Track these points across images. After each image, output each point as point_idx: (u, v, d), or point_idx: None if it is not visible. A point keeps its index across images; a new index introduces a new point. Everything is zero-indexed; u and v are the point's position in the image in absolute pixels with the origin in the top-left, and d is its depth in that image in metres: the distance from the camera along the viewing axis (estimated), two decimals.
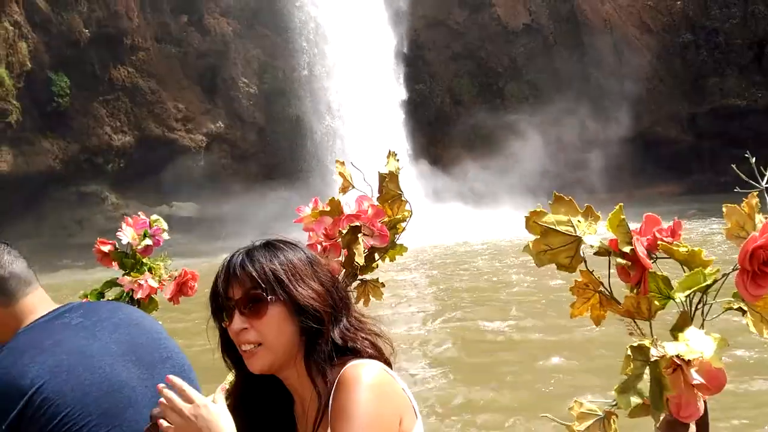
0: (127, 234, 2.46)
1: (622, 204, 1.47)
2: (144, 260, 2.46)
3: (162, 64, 27.41)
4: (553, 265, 1.46)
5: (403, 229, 2.07)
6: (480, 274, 13.76)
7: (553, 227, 1.43)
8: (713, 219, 19.90)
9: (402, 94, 27.85)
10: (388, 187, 2.06)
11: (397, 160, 2.09)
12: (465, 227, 20.47)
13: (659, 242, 1.44)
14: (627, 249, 1.43)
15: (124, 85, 26.32)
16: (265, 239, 1.67)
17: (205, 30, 28.25)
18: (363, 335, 1.60)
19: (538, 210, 1.44)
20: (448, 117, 30.24)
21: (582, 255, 1.46)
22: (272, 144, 29.02)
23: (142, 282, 2.38)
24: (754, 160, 1.54)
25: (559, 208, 1.46)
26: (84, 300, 2.31)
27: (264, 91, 28.69)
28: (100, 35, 25.19)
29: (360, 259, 1.97)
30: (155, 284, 2.40)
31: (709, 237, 16.20)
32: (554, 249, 1.45)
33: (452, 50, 31.15)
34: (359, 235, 1.99)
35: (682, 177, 26.41)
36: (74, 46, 24.79)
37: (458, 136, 28.34)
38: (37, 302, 1.77)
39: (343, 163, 2.13)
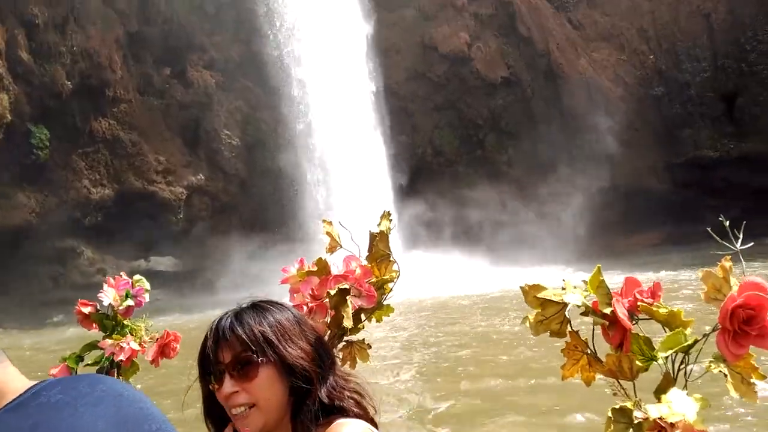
0: (108, 295, 2.43)
1: (599, 266, 1.52)
2: (125, 322, 2.43)
3: (144, 116, 27.53)
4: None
5: (391, 289, 2.09)
6: (470, 329, 13.68)
7: (550, 299, 1.49)
8: (694, 269, 20.13)
9: (383, 143, 28.13)
10: (378, 246, 2.09)
11: (390, 220, 2.12)
12: (447, 278, 20.45)
13: (639, 303, 1.47)
14: (607, 310, 1.47)
15: (104, 138, 26.33)
16: (251, 300, 1.69)
17: (188, 82, 28.50)
18: (348, 393, 1.61)
19: (536, 284, 1.50)
20: (430, 168, 30.56)
21: (567, 316, 1.51)
22: (254, 196, 29.05)
23: (123, 345, 2.34)
24: (728, 222, 1.59)
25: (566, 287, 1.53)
26: (63, 365, 2.27)
27: (247, 142, 28.86)
28: (82, 87, 25.30)
29: (348, 322, 1.98)
30: (137, 347, 2.36)
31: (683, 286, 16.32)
32: (548, 318, 1.50)
33: (433, 102, 31.65)
34: (348, 297, 2.00)
35: (661, 226, 26.74)
36: (56, 98, 24.85)
37: (440, 186, 28.54)
38: (9, 380, 1.55)
39: (330, 223, 2.15)
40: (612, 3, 31.04)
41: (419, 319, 15.17)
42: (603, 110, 29.61)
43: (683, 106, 28.06)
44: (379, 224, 2.11)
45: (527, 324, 1.54)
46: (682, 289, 16.05)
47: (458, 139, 31.56)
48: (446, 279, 20.20)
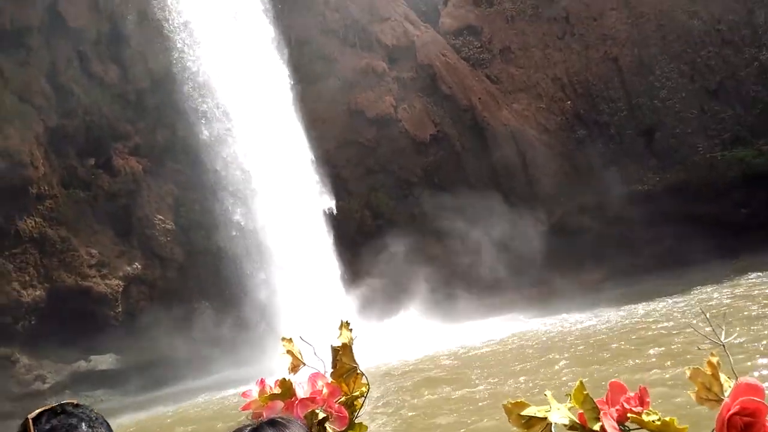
0: None
1: (582, 380, 1.44)
2: None
3: (71, 209, 26.77)
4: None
5: (362, 405, 1.97)
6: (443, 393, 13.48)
7: (535, 416, 1.41)
8: (640, 303, 20.54)
9: (325, 206, 28.09)
10: (342, 361, 1.98)
11: (350, 330, 2.04)
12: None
13: (629, 415, 1.39)
14: (596, 426, 1.40)
15: (31, 236, 25.41)
16: (271, 418, 1.72)
17: (114, 171, 27.95)
18: None
19: (519, 402, 1.43)
20: (370, 231, 30.56)
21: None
22: (194, 279, 28.40)
23: None
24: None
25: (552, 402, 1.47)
26: None
27: (181, 225, 28.32)
28: (4, 187, 24.48)
29: None
30: None
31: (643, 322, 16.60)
32: None
33: (365, 166, 31.91)
34: (327, 424, 1.88)
35: (601, 263, 27.31)
36: None
37: (380, 249, 28.49)
38: None
39: (290, 340, 2.06)
40: (525, 56, 32.32)
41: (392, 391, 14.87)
42: (531, 157, 30.50)
43: (606, 145, 29.14)
44: (339, 336, 2.02)
45: None
46: (640, 331, 16.27)
47: (394, 200, 31.83)
48: (408, 342, 20.04)
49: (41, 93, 25.77)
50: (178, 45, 26.97)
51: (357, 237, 29.65)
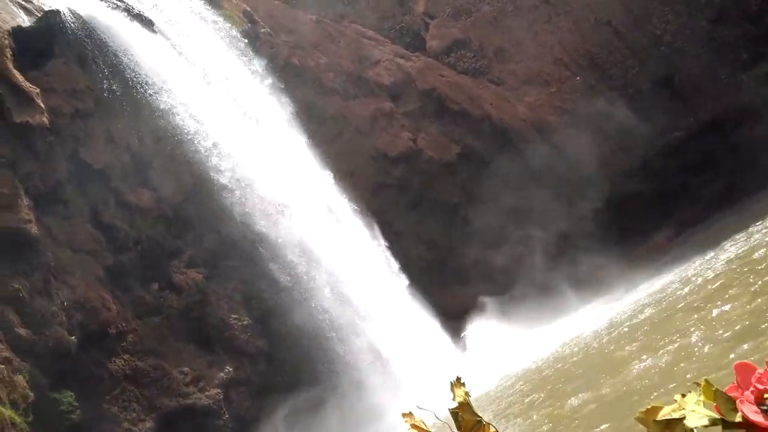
0: None
1: (706, 379, 1.44)
2: None
3: (152, 337, 27.19)
4: None
5: None
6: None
7: (674, 417, 1.40)
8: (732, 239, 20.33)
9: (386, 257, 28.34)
10: (465, 419, 1.99)
11: (463, 384, 2.05)
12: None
13: (765, 395, 1.36)
14: (737, 418, 1.37)
15: (125, 374, 25.80)
16: None
17: (178, 288, 28.42)
18: None
19: (651, 408, 1.42)
20: (430, 260, 30.69)
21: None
22: (283, 363, 28.61)
23: None
24: None
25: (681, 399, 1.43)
26: None
27: (256, 317, 28.63)
28: (86, 336, 25.00)
29: None
30: None
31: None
32: None
33: (405, 203, 32.19)
34: None
35: (667, 222, 27.15)
36: (66, 357, 24.42)
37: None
38: None
39: (410, 414, 2.06)
40: (520, 50, 32.71)
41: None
42: (559, 141, 30.65)
43: (630, 106, 29.19)
44: (454, 396, 2.04)
45: None
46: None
47: (444, 227, 32.02)
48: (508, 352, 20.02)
49: (90, 238, 26.44)
50: (200, 152, 27.61)
51: (427, 273, 29.74)
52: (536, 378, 17.00)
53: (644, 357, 12.88)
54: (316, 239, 26.87)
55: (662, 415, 1.41)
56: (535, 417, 13.70)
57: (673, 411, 1.42)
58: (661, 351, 12.56)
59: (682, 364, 11.48)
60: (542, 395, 15.09)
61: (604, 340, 16.75)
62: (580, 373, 15.01)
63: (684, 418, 1.40)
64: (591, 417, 11.83)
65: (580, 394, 13.11)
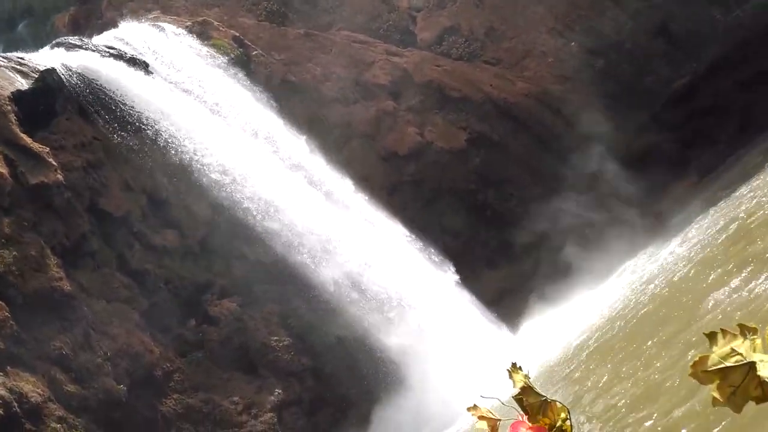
0: None
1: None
2: None
3: (197, 373, 27.32)
4: None
5: (570, 427, 1.99)
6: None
7: (726, 365, 1.31)
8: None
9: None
10: (530, 401, 1.98)
11: (520, 369, 2.02)
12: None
13: None
14: None
15: (177, 413, 25.98)
16: None
17: (215, 320, 28.54)
18: None
19: (698, 358, 1.35)
20: (457, 248, 30.60)
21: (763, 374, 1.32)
22: (331, 378, 28.66)
23: None
24: None
25: (715, 343, 1.35)
26: None
27: (296, 335, 28.68)
28: (135, 383, 25.23)
29: None
30: None
31: None
32: (740, 385, 1.31)
33: (423, 198, 32.23)
34: None
35: (687, 167, 26.94)
36: (116, 406, 24.64)
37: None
38: None
39: (475, 407, 2.05)
40: (510, 27, 32.61)
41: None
42: (566, 110, 30.50)
43: (631, 62, 29.04)
44: (514, 384, 2.01)
45: (716, 404, 1.34)
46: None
47: (465, 214, 31.95)
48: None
49: (122, 286, 26.63)
50: (214, 182, 27.71)
51: (455, 263, 29.67)
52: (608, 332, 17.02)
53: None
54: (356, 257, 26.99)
55: (714, 363, 1.33)
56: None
57: (723, 359, 1.32)
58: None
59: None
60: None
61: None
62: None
63: (740, 364, 1.31)
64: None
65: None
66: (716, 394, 1.32)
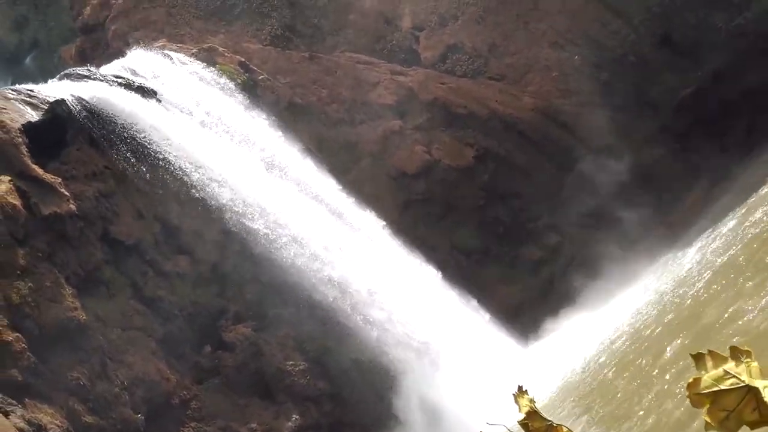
0: None
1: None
2: None
3: (214, 401, 27.16)
4: None
5: None
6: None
7: (720, 388, 1.28)
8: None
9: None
10: (535, 426, 1.97)
11: (526, 392, 2.03)
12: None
13: None
14: None
15: None
16: None
17: (230, 346, 28.41)
18: None
19: (692, 380, 1.30)
20: (470, 268, 30.54)
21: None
22: (347, 400, 28.47)
23: None
24: None
25: (706, 365, 1.32)
26: None
27: (313, 359, 28.51)
28: (152, 410, 25.12)
29: None
30: None
31: None
32: (734, 410, 1.28)
33: (434, 216, 32.25)
34: None
35: (698, 179, 27.00)
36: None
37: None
38: None
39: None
40: (512, 42, 32.77)
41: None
42: (573, 124, 30.64)
43: (637, 73, 29.18)
44: (520, 408, 2.01)
45: (708, 428, 1.28)
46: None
47: (475, 230, 31.94)
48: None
49: (137, 314, 26.55)
50: (223, 205, 27.71)
51: (469, 280, 29.63)
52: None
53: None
54: (368, 275, 26.95)
55: (707, 386, 1.30)
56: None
57: (716, 381, 1.28)
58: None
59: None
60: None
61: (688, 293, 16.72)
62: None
63: (735, 387, 1.25)
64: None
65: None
66: (707, 418, 1.27)
